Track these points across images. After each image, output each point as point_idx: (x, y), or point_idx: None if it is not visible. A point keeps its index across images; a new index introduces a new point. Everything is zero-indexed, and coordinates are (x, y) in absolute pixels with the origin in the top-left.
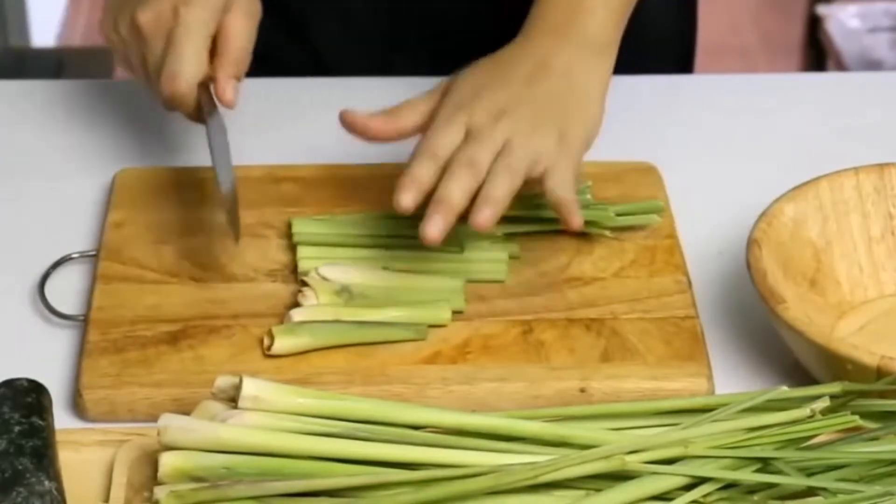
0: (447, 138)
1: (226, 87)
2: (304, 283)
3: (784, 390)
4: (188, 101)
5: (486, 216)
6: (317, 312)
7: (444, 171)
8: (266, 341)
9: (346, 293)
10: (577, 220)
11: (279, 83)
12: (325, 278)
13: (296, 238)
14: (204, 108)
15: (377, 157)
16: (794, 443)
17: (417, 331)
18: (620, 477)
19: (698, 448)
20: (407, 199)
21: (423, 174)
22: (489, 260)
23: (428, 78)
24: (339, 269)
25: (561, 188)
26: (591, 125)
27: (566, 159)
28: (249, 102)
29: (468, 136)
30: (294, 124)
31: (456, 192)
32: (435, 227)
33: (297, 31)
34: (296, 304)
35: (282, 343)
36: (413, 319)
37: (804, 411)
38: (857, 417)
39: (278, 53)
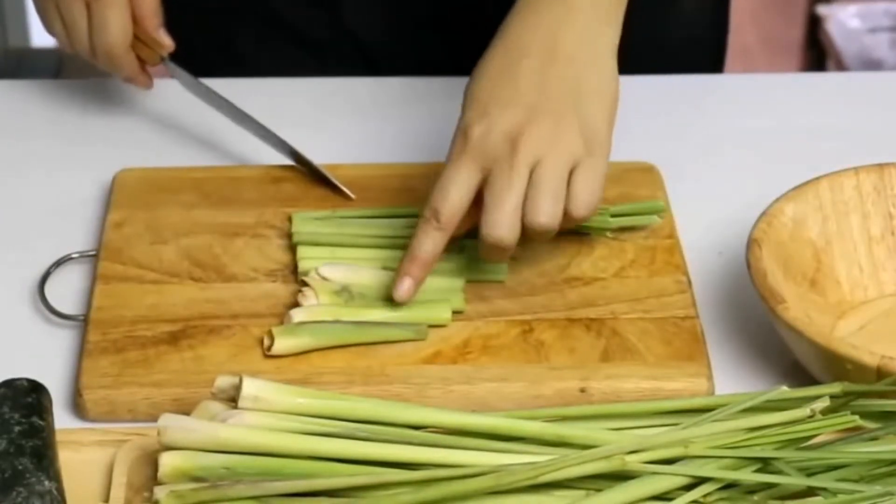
0: (459, 187)
1: (160, 37)
2: (304, 283)
3: (784, 390)
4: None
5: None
6: (317, 312)
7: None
8: (266, 342)
9: (346, 293)
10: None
11: (279, 83)
12: (325, 278)
13: (296, 238)
14: (147, 60)
15: (377, 158)
16: (794, 443)
17: (417, 331)
18: (620, 477)
19: (698, 448)
20: (403, 292)
21: (429, 252)
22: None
23: (424, 78)
24: (339, 269)
25: (586, 205)
26: (609, 103)
27: (594, 158)
28: (249, 103)
29: (490, 180)
30: (294, 124)
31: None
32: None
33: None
34: (296, 304)
35: (282, 343)
36: (413, 319)
37: (804, 411)
38: (857, 417)
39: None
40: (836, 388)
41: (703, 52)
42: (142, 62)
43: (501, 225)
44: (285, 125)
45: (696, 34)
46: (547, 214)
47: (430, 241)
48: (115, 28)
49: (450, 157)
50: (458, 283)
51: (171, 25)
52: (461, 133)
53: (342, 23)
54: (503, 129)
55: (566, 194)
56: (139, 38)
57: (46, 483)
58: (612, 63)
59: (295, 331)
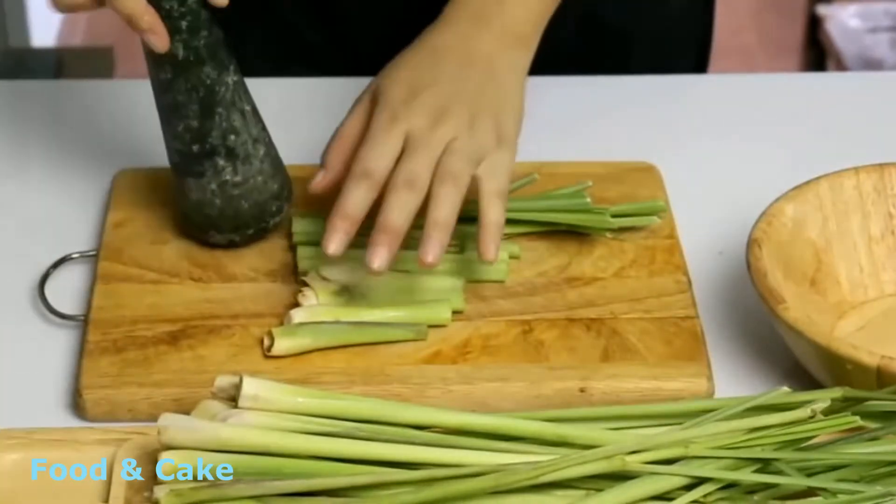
0: (385, 152)
1: None
2: (304, 283)
3: (785, 392)
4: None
5: (434, 252)
6: (317, 313)
7: (384, 189)
8: (266, 342)
9: (346, 293)
10: (490, 252)
11: (279, 83)
12: (325, 278)
13: (296, 238)
14: None
15: None
16: (795, 443)
17: (417, 331)
18: (621, 477)
19: (699, 448)
20: (334, 247)
21: (356, 204)
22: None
23: None
24: (339, 269)
25: (495, 203)
26: (519, 116)
27: (504, 153)
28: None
29: (407, 144)
30: (294, 124)
31: (398, 218)
32: (379, 258)
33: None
34: (296, 304)
35: (282, 344)
36: (413, 319)
37: (805, 412)
38: (857, 418)
39: (300, 34)
40: (837, 392)
41: (689, 51)
42: None
43: (416, 165)
44: (285, 125)
45: (682, 31)
46: (457, 166)
47: (360, 198)
48: None
49: (374, 125)
50: (458, 283)
51: None
52: (386, 106)
53: (345, 39)
54: (426, 104)
55: (477, 175)
56: None
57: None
58: (521, 83)
59: (295, 331)
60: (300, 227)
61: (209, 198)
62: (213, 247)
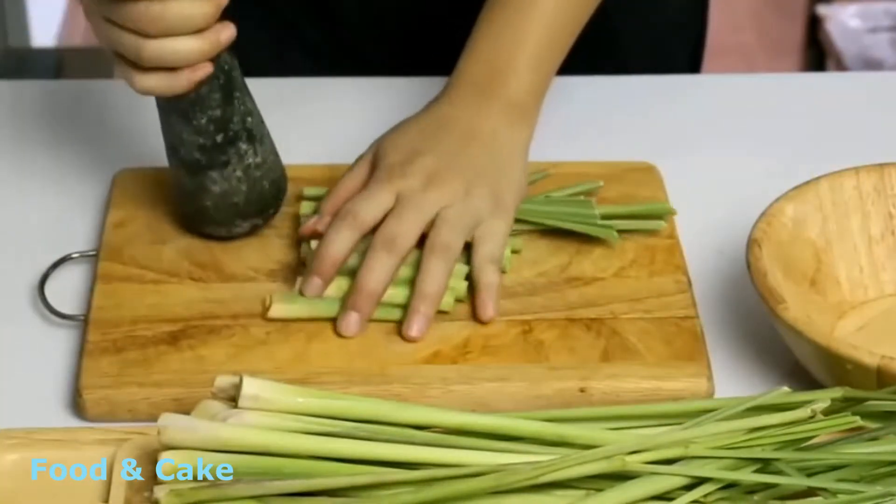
0: (374, 204)
1: None
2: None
3: (785, 392)
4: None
5: (418, 326)
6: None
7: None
8: (267, 302)
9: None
10: (488, 312)
11: (279, 83)
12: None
13: (303, 208)
14: None
15: None
16: (795, 443)
17: None
18: (621, 477)
19: (699, 448)
20: (311, 290)
21: (337, 248)
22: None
23: (423, 78)
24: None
25: (488, 268)
26: (519, 188)
27: (500, 221)
28: None
29: (397, 202)
30: (294, 124)
31: (374, 281)
32: (352, 326)
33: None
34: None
35: (278, 308)
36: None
37: (805, 412)
38: (857, 418)
39: (297, 31)
40: (837, 392)
41: (684, 51)
42: None
43: (400, 226)
44: (285, 125)
45: (679, 32)
46: (447, 237)
47: (340, 240)
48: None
49: (370, 182)
50: (462, 269)
51: None
52: (384, 167)
53: (343, 38)
54: (423, 167)
55: (471, 244)
56: None
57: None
58: (523, 158)
59: (294, 298)
60: (308, 192)
61: (235, 185)
62: (229, 239)
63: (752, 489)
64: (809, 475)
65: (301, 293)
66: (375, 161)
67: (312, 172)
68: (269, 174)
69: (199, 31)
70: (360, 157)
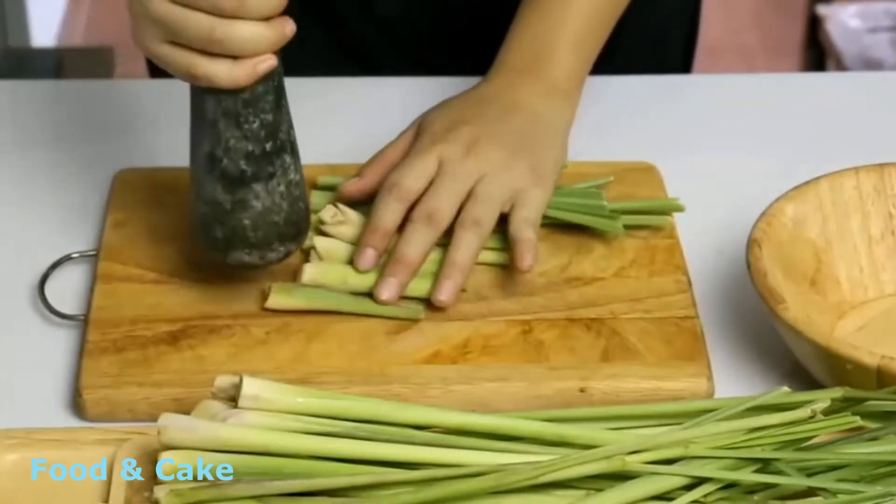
0: (417, 173)
1: None
2: (322, 233)
3: (785, 392)
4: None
5: (447, 292)
6: (327, 271)
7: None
8: (266, 291)
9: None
10: (527, 261)
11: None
12: (342, 211)
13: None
14: None
15: None
16: (795, 444)
17: (413, 311)
18: (621, 477)
19: (699, 449)
20: (364, 262)
21: (386, 219)
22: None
23: (424, 78)
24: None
25: (525, 227)
26: (559, 160)
27: (539, 190)
28: None
29: (438, 170)
30: (295, 124)
31: (413, 252)
32: (389, 290)
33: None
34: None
35: (276, 299)
36: (413, 293)
37: (805, 412)
38: (857, 418)
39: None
40: (837, 392)
41: (677, 51)
42: None
43: (437, 199)
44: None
45: (672, 32)
46: (480, 212)
47: (390, 212)
48: None
49: (413, 149)
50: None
51: None
52: (426, 135)
53: (344, 37)
54: (466, 134)
55: (509, 210)
56: None
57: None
58: (564, 136)
59: (291, 290)
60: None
61: (278, 202)
62: (253, 269)
63: (752, 489)
64: (809, 475)
65: (355, 267)
66: (419, 132)
67: (313, 172)
68: (303, 194)
69: (267, 18)
70: (403, 132)
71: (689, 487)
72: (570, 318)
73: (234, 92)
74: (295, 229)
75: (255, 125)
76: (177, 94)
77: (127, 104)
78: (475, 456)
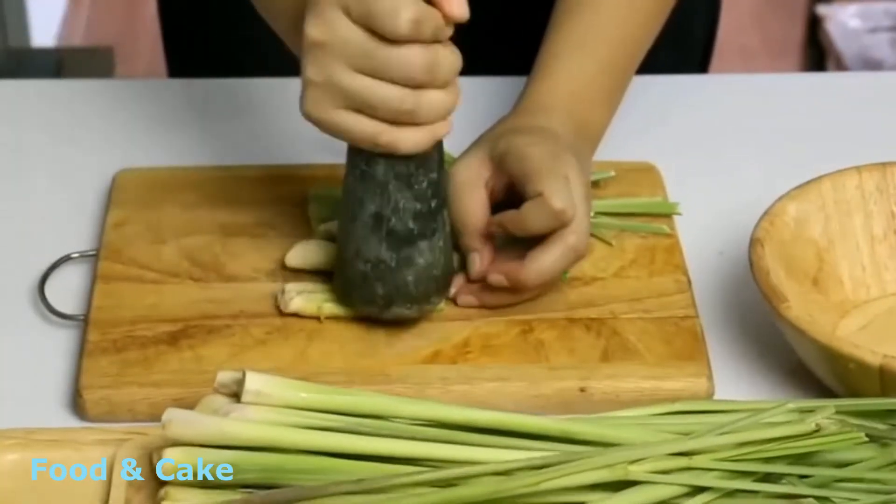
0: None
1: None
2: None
3: (789, 406)
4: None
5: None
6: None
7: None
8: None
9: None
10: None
11: (281, 83)
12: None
13: (312, 193)
14: None
15: None
16: (799, 458)
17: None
18: (622, 483)
19: (702, 461)
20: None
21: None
22: None
23: None
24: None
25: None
26: (587, 173)
27: (585, 205)
28: (251, 103)
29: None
30: (295, 124)
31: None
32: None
33: None
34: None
35: (294, 256)
36: None
37: (809, 425)
38: (862, 435)
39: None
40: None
41: (695, 52)
42: None
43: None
44: (287, 125)
45: (689, 32)
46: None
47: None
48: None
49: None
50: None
51: (194, 24)
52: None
53: None
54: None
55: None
56: None
57: None
58: (589, 157)
59: (311, 247)
60: (318, 190)
61: (437, 257)
62: (408, 322)
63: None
64: (811, 482)
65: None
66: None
67: (313, 172)
68: (451, 244)
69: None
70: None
71: (690, 493)
72: (570, 318)
73: (407, 155)
74: (447, 280)
75: (424, 185)
76: (177, 95)
77: (127, 104)
78: (479, 452)
